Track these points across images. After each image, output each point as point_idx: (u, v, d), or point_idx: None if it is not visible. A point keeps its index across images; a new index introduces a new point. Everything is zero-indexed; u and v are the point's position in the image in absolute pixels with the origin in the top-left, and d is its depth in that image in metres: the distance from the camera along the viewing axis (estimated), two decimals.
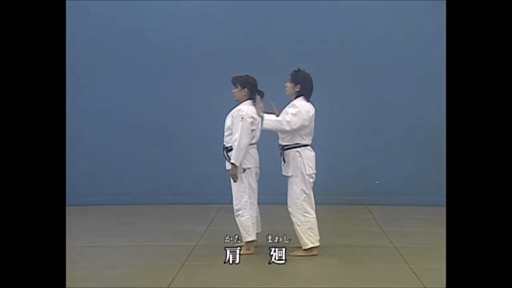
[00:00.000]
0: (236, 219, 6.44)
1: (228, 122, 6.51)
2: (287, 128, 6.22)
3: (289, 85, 6.37)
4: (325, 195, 7.47)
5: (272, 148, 6.53)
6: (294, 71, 6.39)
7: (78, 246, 6.60)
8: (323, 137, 7.18)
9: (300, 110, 6.24)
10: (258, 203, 6.55)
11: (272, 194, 6.86)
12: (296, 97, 6.35)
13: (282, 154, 6.35)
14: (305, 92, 6.34)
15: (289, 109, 6.28)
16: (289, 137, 6.30)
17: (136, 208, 8.98)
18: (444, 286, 4.93)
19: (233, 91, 6.53)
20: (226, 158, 6.49)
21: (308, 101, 6.36)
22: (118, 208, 8.96)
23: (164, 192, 9.26)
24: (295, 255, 6.25)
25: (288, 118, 6.23)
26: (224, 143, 6.53)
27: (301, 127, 6.25)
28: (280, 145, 6.40)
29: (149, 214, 8.62)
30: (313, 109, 6.38)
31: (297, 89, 6.34)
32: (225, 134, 6.52)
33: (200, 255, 6.37)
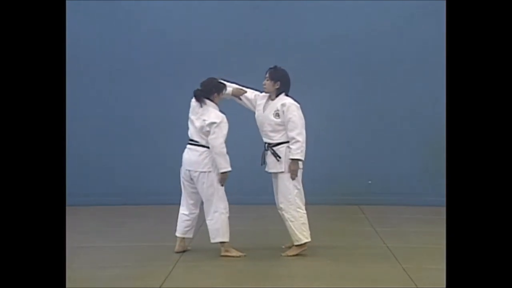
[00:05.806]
0: (224, 217, 6.23)
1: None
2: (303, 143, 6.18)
3: (267, 82, 6.31)
4: (317, 195, 7.47)
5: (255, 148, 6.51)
6: (271, 68, 6.34)
7: (69, 247, 6.50)
8: (316, 136, 7.16)
9: (297, 114, 6.17)
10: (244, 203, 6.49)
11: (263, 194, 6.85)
12: (277, 95, 6.28)
13: (271, 152, 6.22)
14: (285, 88, 6.32)
15: (291, 117, 6.15)
16: (280, 134, 6.21)
17: (127, 208, 8.93)
18: (437, 286, 4.97)
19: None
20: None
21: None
22: (110, 209, 8.92)
23: (156, 193, 9.21)
24: (287, 255, 6.24)
25: (299, 137, 6.13)
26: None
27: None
28: (268, 143, 6.28)
29: (141, 214, 8.59)
30: None
31: (277, 86, 6.29)
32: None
33: (193, 255, 6.34)
